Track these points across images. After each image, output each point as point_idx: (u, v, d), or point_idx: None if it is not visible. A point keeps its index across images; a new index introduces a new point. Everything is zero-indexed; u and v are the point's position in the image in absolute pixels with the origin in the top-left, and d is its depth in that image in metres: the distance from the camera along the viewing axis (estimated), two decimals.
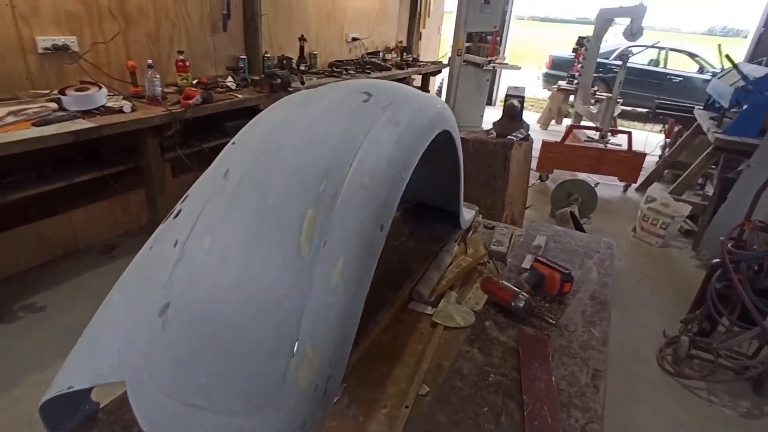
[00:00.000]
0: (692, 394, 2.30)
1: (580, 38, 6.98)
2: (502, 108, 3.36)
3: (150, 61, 2.72)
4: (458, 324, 1.27)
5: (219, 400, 0.51)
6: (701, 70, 8.67)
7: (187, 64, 3.10)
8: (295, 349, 0.54)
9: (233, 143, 0.72)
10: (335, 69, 4.46)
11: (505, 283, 1.31)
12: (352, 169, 0.62)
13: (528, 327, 1.24)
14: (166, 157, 2.82)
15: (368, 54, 5.46)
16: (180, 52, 3.08)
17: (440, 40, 7.76)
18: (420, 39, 6.75)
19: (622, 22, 4.64)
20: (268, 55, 4.08)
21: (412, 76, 5.96)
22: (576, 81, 5.46)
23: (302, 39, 4.31)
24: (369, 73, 4.76)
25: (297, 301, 0.55)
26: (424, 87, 6.54)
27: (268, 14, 3.97)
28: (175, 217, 0.68)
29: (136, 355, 0.54)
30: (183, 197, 0.73)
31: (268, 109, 0.79)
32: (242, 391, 0.52)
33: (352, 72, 4.58)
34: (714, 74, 8.21)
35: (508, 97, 3.31)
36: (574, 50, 7.18)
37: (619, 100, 4.59)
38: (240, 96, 3.15)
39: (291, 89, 3.39)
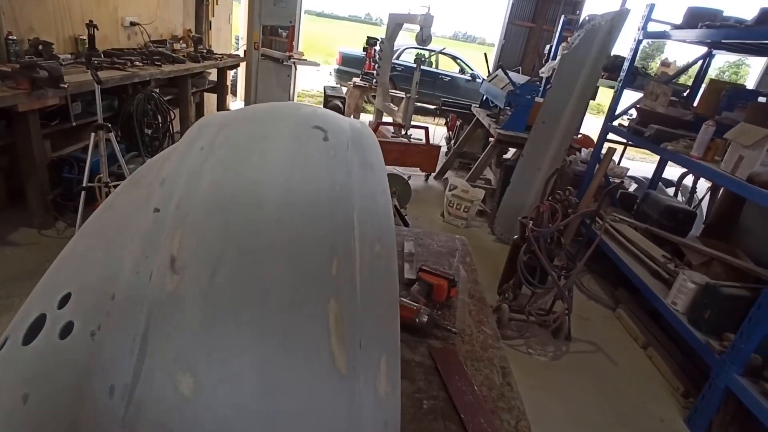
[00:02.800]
0: (517, 351, 2.74)
1: (369, 38, 7.47)
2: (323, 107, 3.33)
3: None
4: None
5: None
6: (462, 71, 10.31)
7: None
8: None
9: (156, 210, 0.49)
10: (116, 60, 3.70)
11: (403, 300, 1.30)
12: (357, 235, 0.49)
13: (434, 340, 1.26)
14: None
15: (153, 42, 4.71)
16: None
17: (231, 31, 7.25)
18: (210, 29, 6.17)
19: (411, 27, 5.12)
20: (14, 38, 3.13)
21: (208, 70, 5.43)
22: (375, 80, 5.82)
23: (92, 25, 3.42)
24: (159, 65, 4.11)
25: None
26: (220, 81, 6.04)
27: None
28: (63, 335, 0.43)
29: None
30: (33, 302, 0.48)
31: (183, 149, 0.56)
32: None
33: (138, 63, 3.88)
34: (474, 75, 9.90)
35: (328, 97, 3.30)
36: (365, 49, 7.64)
37: (415, 97, 5.08)
38: None
39: (65, 85, 2.66)
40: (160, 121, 3.85)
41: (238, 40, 8.10)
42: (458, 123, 5.97)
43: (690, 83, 4.53)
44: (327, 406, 0.41)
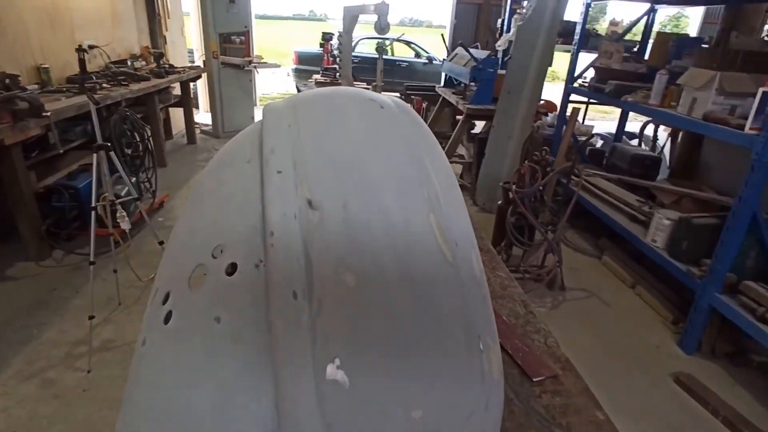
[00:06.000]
0: None
1: (324, 33, 7.52)
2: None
3: None
4: None
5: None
6: (417, 55, 10.46)
7: None
8: (481, 345, 0.55)
9: (279, 172, 0.61)
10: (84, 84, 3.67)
11: None
12: (431, 168, 0.63)
13: None
14: None
15: (113, 63, 4.66)
16: None
17: (185, 44, 7.16)
18: (166, 43, 6.10)
19: (366, 19, 5.21)
20: None
21: (172, 85, 5.39)
22: (337, 74, 5.90)
23: (81, 49, 3.41)
24: (126, 84, 4.10)
25: (460, 301, 0.56)
26: (185, 94, 5.99)
27: None
28: (229, 274, 0.55)
29: None
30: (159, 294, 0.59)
31: (272, 129, 0.68)
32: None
33: (106, 86, 3.87)
34: (430, 58, 10.05)
35: None
36: (321, 45, 7.68)
37: (381, 85, 5.20)
38: None
39: (47, 113, 2.66)
40: (138, 139, 3.84)
41: (192, 52, 7.99)
42: (424, 105, 6.12)
43: (638, 39, 4.81)
44: (444, 281, 0.56)
